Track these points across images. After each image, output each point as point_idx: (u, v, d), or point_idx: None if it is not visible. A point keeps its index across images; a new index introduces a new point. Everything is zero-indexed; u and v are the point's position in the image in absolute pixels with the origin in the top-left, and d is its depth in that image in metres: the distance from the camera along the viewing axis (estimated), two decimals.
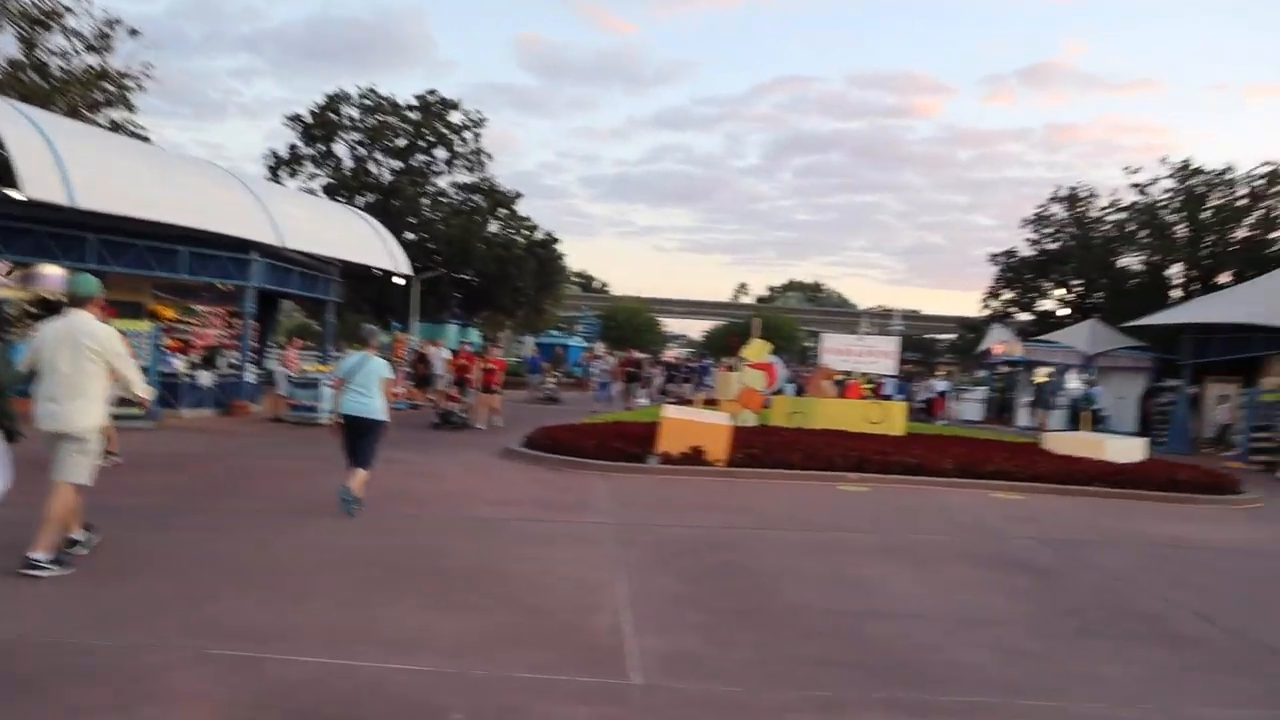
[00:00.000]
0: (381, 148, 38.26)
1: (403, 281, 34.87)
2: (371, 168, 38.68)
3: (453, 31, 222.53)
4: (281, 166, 36.77)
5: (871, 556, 8.46)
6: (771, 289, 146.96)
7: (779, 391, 21.48)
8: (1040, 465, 14.51)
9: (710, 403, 21.16)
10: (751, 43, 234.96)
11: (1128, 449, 16.52)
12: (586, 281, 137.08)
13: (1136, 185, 34.67)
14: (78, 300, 6.34)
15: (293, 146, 37.19)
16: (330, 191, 37.32)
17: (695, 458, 13.57)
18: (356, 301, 37.81)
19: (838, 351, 19.77)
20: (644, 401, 23.88)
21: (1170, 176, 34.24)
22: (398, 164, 38.31)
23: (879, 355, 19.51)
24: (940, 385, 34.57)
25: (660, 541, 8.65)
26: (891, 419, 18.80)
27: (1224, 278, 33.03)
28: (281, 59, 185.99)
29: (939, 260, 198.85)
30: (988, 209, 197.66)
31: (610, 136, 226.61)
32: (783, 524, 10.03)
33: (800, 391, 35.39)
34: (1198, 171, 33.34)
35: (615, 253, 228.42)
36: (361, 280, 37.64)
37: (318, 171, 37.68)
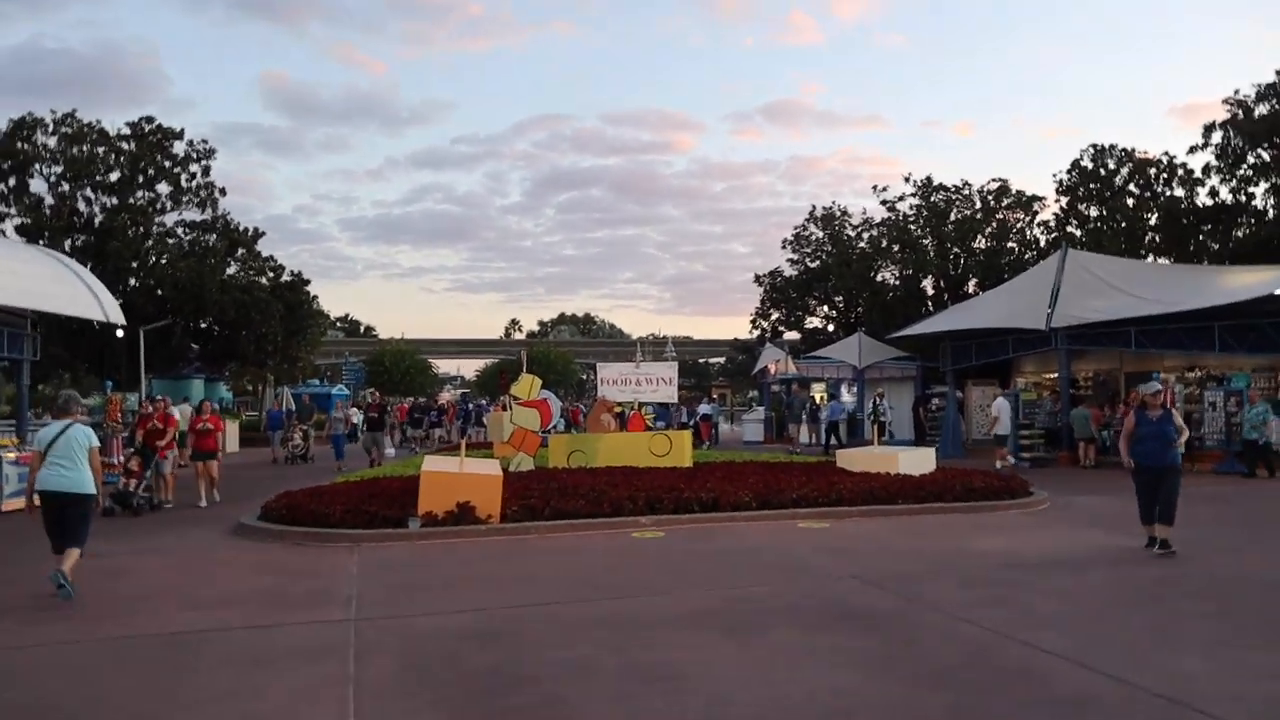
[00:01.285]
0: (91, 183, 33.39)
1: (121, 333, 30.50)
2: (81, 206, 33.69)
3: (189, 69, 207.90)
4: None
5: (680, 628, 6.82)
6: (543, 324, 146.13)
7: (554, 429, 19.78)
8: (841, 486, 13.58)
9: (479, 447, 19.21)
10: (504, 83, 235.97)
11: (919, 460, 16.08)
12: (353, 326, 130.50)
13: (886, 202, 36.10)
14: None
15: None
16: (27, 233, 32.08)
17: (464, 515, 11.53)
18: (68, 359, 32.71)
19: (616, 381, 18.32)
20: (390, 453, 21.47)
21: (914, 194, 35.84)
22: (112, 201, 33.57)
23: (659, 382, 18.25)
24: (704, 408, 34.04)
25: (413, 641, 6.59)
26: (678, 450, 17.53)
27: (971, 286, 34.88)
28: None
29: (702, 288, 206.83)
30: (743, 237, 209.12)
31: (368, 178, 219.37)
32: (570, 593, 8.21)
33: (570, 427, 34.01)
34: (940, 188, 35.06)
35: (383, 296, 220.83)
36: (74, 335, 32.67)
37: (8, 210, 32.27)
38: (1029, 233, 33.87)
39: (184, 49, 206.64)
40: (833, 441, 29.70)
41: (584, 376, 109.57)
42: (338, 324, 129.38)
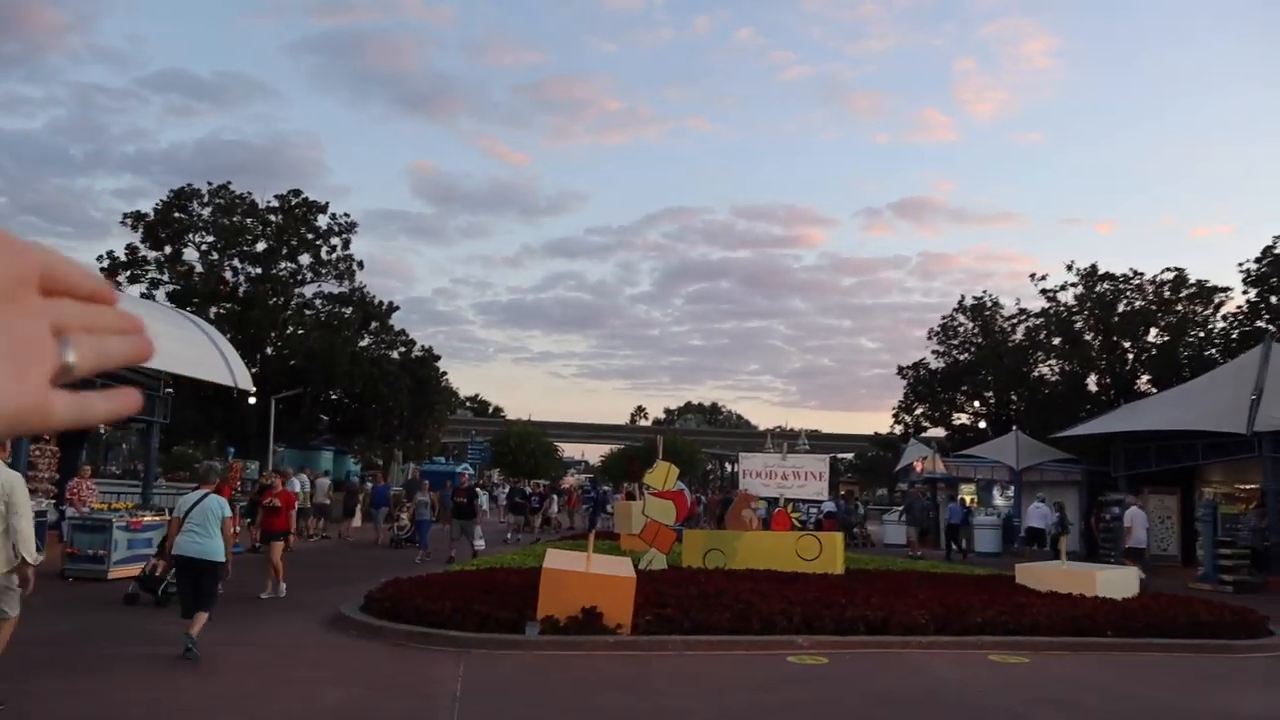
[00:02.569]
0: (239, 252, 34.24)
1: (253, 400, 30.60)
2: (228, 275, 34.54)
3: (347, 158, 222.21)
4: (119, 270, 32.24)
5: None
6: (669, 411, 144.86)
7: (689, 523, 18.01)
8: (1033, 610, 11.29)
9: (603, 538, 17.75)
10: (638, 175, 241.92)
11: (1120, 581, 13.56)
12: (481, 406, 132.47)
13: (1046, 291, 33.34)
14: None
15: (131, 248, 32.73)
16: (177, 300, 32.93)
17: (590, 622, 9.86)
18: (200, 424, 33.08)
19: (760, 474, 16.49)
20: (480, 544, 19.64)
21: (1076, 284, 33.06)
22: (256, 270, 34.31)
23: (808, 477, 16.30)
24: (828, 505, 31.25)
25: None
26: (829, 553, 15.48)
27: (1142, 384, 31.61)
28: (168, 180, 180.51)
29: (828, 382, 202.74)
30: (871, 332, 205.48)
31: (504, 264, 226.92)
32: None
33: (694, 521, 31.95)
34: (1107, 276, 32.22)
35: (511, 378, 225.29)
36: (208, 400, 33.10)
37: (161, 277, 33.27)
38: (1212, 327, 30.50)
39: (345, 141, 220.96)
40: (952, 548, 26.91)
41: (709, 467, 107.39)
42: (467, 403, 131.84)
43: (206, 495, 8.72)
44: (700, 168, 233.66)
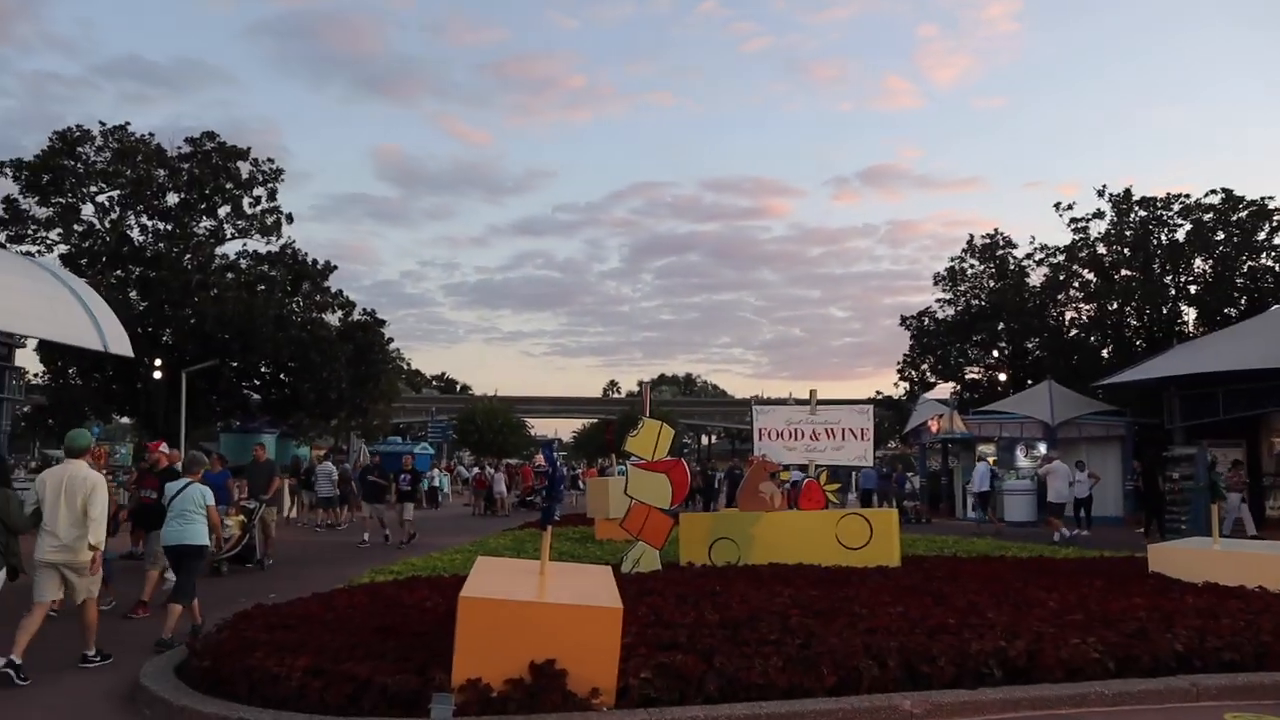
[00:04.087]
0: (146, 207, 29.43)
1: (158, 374, 26.02)
2: (135, 233, 29.72)
3: (308, 143, 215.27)
4: None
5: None
6: (642, 384, 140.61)
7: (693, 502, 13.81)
8: (1236, 624, 7.22)
9: (572, 523, 13.82)
10: (604, 151, 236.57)
11: None
12: (449, 385, 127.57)
13: (1075, 221, 29.28)
14: (75, 452, 7.61)
15: (8, 200, 27.72)
16: (72, 263, 28.09)
17: (545, 690, 5.63)
18: (97, 401, 28.42)
19: (781, 435, 12.26)
20: (387, 533, 16.18)
21: (1109, 211, 29.03)
22: (167, 227, 29.51)
23: (847, 435, 12.09)
24: (866, 474, 27.56)
25: None
26: (883, 539, 11.33)
27: (1190, 322, 27.75)
28: None
29: (799, 352, 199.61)
30: (841, 301, 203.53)
31: (471, 244, 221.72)
32: None
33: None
34: (1144, 201, 28.21)
35: (482, 359, 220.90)
36: (104, 373, 28.41)
37: (50, 236, 28.40)
38: (1267, 254, 26.55)
39: (305, 125, 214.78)
40: (984, 516, 23.16)
41: (686, 440, 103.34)
42: (433, 382, 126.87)
43: (189, 484, 8.63)
44: (666, 142, 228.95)
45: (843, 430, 12.10)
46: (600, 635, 5.79)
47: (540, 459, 66.01)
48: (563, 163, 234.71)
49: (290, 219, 30.97)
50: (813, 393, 12.45)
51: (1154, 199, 27.97)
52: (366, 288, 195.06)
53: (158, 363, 25.50)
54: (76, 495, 7.29)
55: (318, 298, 30.66)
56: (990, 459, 27.11)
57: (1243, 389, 21.28)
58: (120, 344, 17.30)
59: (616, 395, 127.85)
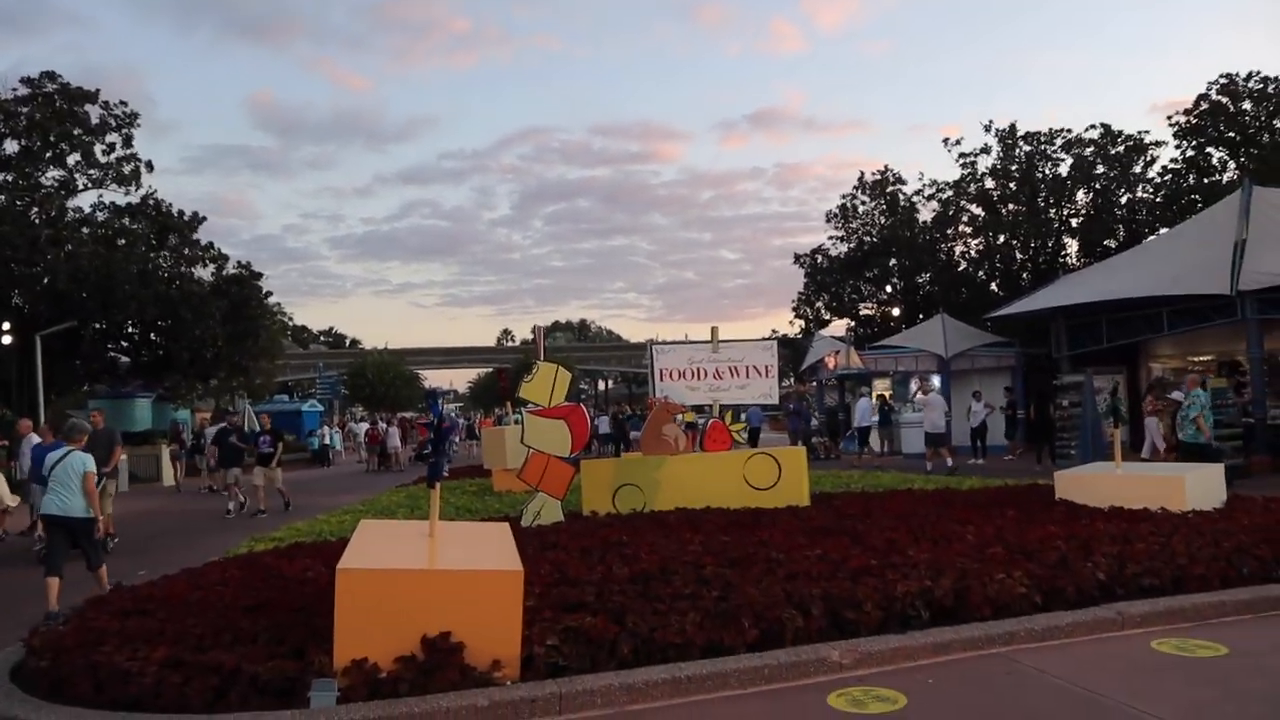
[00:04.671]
0: None
1: (6, 339, 23.92)
2: None
3: (176, 91, 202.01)
4: None
5: None
6: (535, 328, 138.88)
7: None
8: (1149, 547, 7.12)
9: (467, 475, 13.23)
10: (490, 97, 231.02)
11: (1207, 484, 9.66)
12: (337, 340, 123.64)
13: (963, 156, 29.58)
14: None
15: None
16: None
17: (440, 666, 5.03)
18: None
19: (683, 374, 11.79)
20: (244, 500, 15.40)
21: (995, 146, 29.39)
22: (6, 177, 26.94)
23: (752, 373, 11.71)
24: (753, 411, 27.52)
25: None
26: (792, 477, 11.04)
27: (1072, 253, 28.49)
28: None
29: (693, 295, 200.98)
30: (731, 244, 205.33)
31: (355, 195, 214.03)
32: None
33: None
34: (1029, 136, 28.65)
35: (372, 312, 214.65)
36: None
37: None
38: (1140, 188, 27.33)
39: (171, 72, 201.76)
40: (862, 450, 23.49)
41: (583, 385, 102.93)
42: (321, 338, 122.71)
43: (70, 452, 8.44)
44: (553, 88, 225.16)
45: (747, 368, 11.70)
46: (499, 601, 5.19)
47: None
48: (448, 109, 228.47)
49: (150, 167, 28.67)
50: (714, 330, 12.00)
51: (1038, 134, 28.47)
52: (245, 242, 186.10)
53: (5, 326, 23.38)
54: None
55: (186, 251, 28.58)
56: (875, 395, 27.41)
57: (1122, 317, 21.87)
58: None
59: (510, 344, 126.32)
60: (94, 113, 28.28)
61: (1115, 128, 27.39)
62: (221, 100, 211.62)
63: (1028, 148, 28.48)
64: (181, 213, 29.40)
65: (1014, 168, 28.22)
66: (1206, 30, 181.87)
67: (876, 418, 25.40)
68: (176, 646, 5.37)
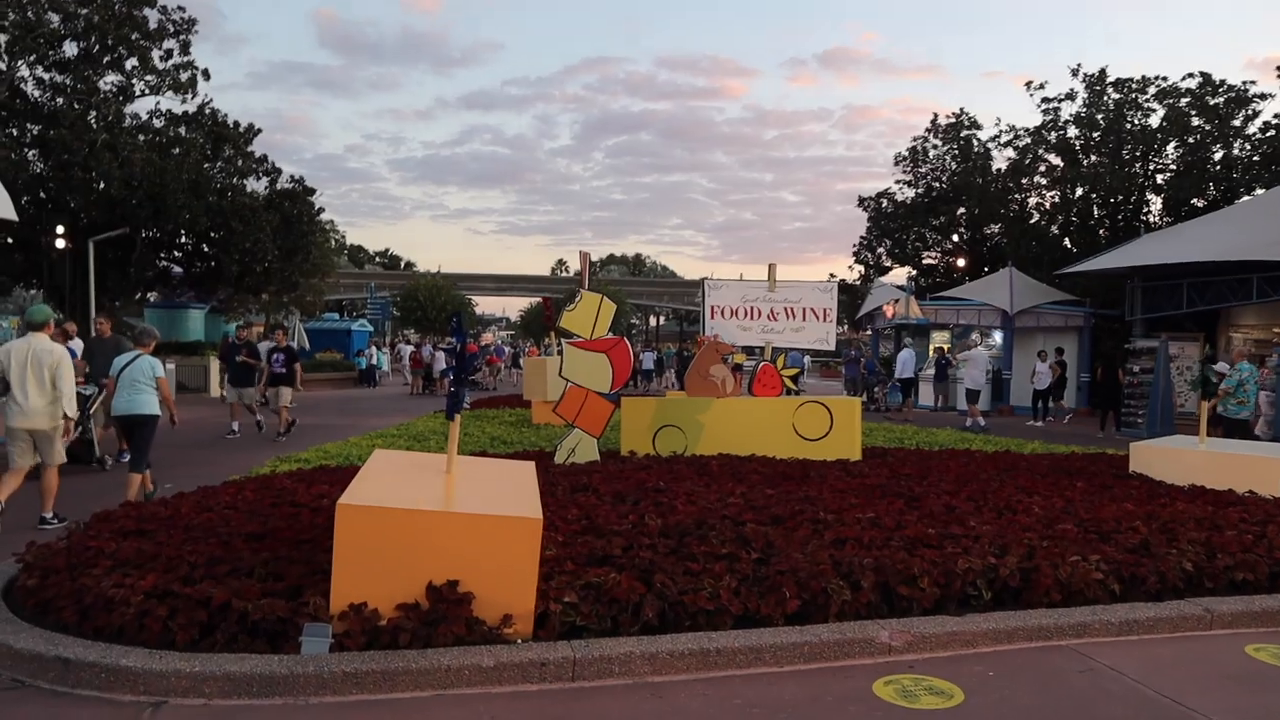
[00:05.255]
0: (40, 58, 26.59)
1: (61, 243, 23.96)
2: (29, 86, 26.95)
3: (243, 5, 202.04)
4: None
5: None
6: (582, 253, 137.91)
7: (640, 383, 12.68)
8: (1246, 536, 6.38)
9: (507, 405, 12.88)
10: (557, 25, 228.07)
11: None
12: (393, 261, 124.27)
13: (1046, 101, 27.95)
14: (36, 325, 7.83)
15: None
16: None
17: (445, 618, 4.56)
18: (11, 274, 26.37)
19: (735, 313, 11.11)
20: (259, 419, 14.44)
21: (1085, 89, 27.69)
22: (65, 80, 26.76)
23: (808, 315, 11.00)
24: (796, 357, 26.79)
25: None
26: (844, 430, 10.39)
27: (1155, 212, 26.93)
28: None
29: (750, 236, 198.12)
30: (793, 185, 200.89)
31: (417, 118, 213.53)
32: None
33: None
34: (1119, 84, 26.91)
35: (429, 236, 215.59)
36: (14, 245, 26.30)
37: None
38: (1241, 146, 25.51)
39: None
40: (898, 403, 22.76)
41: (634, 320, 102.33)
42: (376, 259, 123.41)
43: (139, 356, 8.58)
44: (621, 17, 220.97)
45: (804, 310, 10.98)
46: (514, 551, 4.69)
47: (488, 337, 64.84)
48: (515, 35, 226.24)
49: (207, 76, 28.20)
50: (772, 267, 11.25)
51: (1129, 80, 26.66)
52: (308, 160, 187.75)
53: (59, 230, 23.37)
54: (43, 368, 7.67)
55: (240, 163, 28.30)
56: (932, 348, 26.38)
57: (1206, 282, 20.61)
58: (4, 207, 15.46)
59: (564, 274, 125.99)
60: (152, 17, 27.86)
61: (1216, 77, 25.61)
62: (288, 16, 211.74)
63: (1117, 96, 26.75)
64: (237, 124, 29.05)
65: (1100, 116, 26.53)
66: None
67: (933, 371, 24.54)
68: (167, 575, 4.97)
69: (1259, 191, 23.87)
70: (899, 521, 6.41)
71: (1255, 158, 24.75)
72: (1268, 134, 24.54)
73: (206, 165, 27.45)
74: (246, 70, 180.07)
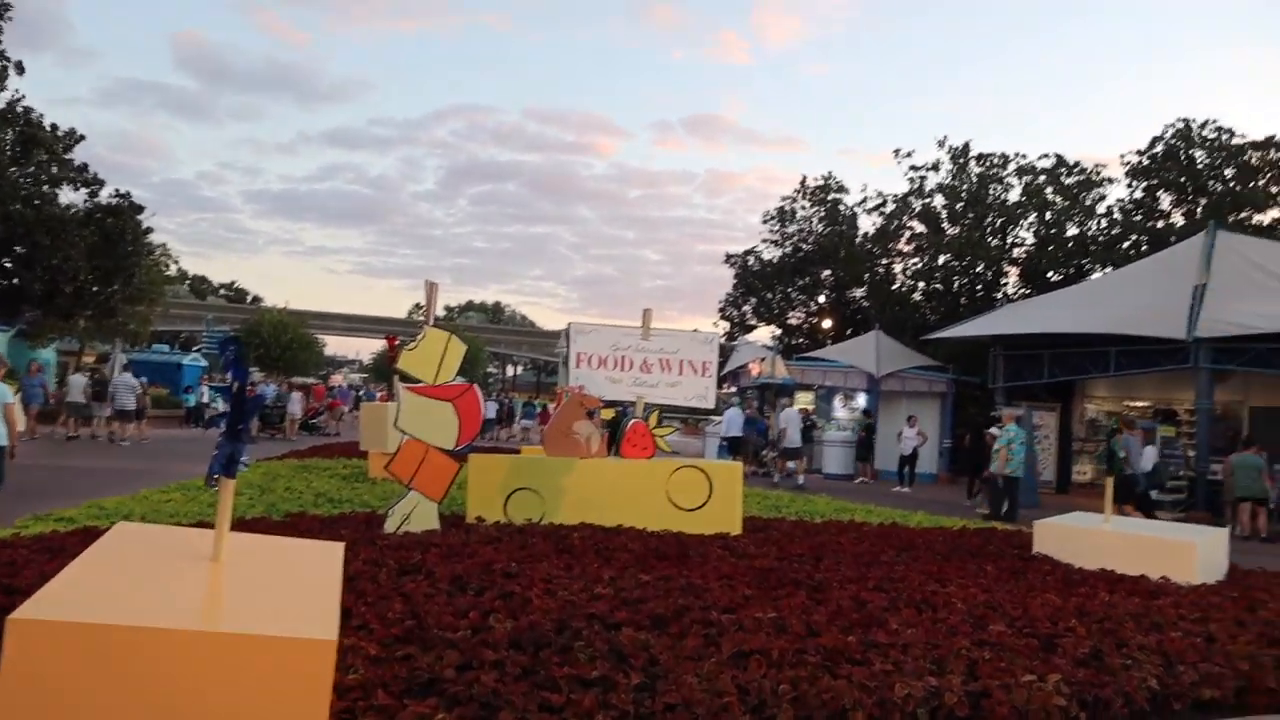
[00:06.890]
0: None
1: None
2: None
3: (95, 16, 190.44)
4: None
5: None
6: (449, 309, 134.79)
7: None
8: (1185, 637, 5.48)
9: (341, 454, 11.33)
10: (428, 68, 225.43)
11: (1213, 548, 8.20)
12: (239, 294, 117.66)
13: (915, 169, 28.38)
14: None
15: None
16: None
17: None
18: None
19: (604, 362, 9.84)
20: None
21: (950, 160, 28.27)
22: None
23: (686, 370, 9.83)
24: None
25: None
26: (724, 497, 9.20)
27: (1011, 282, 27.53)
28: None
29: (611, 290, 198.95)
30: (655, 244, 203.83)
31: (277, 151, 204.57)
32: None
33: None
34: (982, 157, 27.58)
35: (283, 271, 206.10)
36: None
37: None
38: (1089, 225, 26.48)
39: None
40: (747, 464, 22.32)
41: (491, 368, 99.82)
42: (220, 290, 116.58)
43: None
44: (494, 67, 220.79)
45: (681, 362, 9.81)
46: (295, 685, 3.15)
47: (337, 379, 61.20)
48: (384, 75, 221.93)
49: (21, 69, 25.16)
50: (647, 313, 10.07)
51: (991, 155, 27.44)
52: (155, 184, 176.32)
53: None
54: None
55: (54, 170, 25.30)
56: (800, 407, 25.88)
57: (1067, 353, 20.84)
58: None
59: (421, 318, 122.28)
60: None
61: (1069, 158, 26.60)
62: (144, 33, 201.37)
63: (979, 169, 27.43)
64: (55, 126, 26.06)
65: (964, 189, 27.10)
66: (1159, 79, 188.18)
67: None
68: None
69: (1108, 270, 24.67)
70: (808, 625, 5.18)
71: (1100, 238, 25.65)
72: (1114, 216, 25.52)
73: (13, 169, 24.38)
74: (94, 85, 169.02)
